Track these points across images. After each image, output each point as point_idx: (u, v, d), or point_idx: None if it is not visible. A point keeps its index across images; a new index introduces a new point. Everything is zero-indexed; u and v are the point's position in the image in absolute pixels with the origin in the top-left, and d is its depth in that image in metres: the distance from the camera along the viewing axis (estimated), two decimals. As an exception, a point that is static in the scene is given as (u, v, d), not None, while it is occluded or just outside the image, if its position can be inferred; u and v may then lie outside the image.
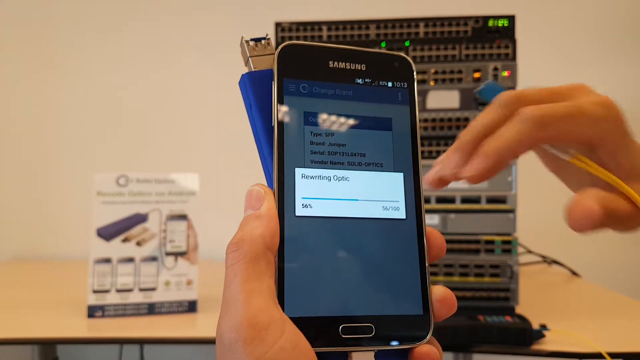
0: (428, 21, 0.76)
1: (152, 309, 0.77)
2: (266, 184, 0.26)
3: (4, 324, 0.72)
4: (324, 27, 0.76)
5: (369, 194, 0.26)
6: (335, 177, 0.26)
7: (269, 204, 0.24)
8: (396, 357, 0.25)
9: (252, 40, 0.27)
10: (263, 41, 0.27)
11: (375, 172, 0.26)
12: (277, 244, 0.24)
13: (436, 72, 0.76)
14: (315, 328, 0.23)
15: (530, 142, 0.26)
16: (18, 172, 1.33)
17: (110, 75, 1.33)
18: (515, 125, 0.25)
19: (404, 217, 0.26)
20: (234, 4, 1.31)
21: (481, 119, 0.27)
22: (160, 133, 1.33)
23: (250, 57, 0.27)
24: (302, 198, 0.25)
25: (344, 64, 0.27)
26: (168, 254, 0.78)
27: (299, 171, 0.25)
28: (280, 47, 0.26)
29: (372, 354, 0.24)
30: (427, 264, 0.26)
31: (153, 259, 0.77)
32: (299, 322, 0.22)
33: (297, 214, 0.24)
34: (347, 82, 0.27)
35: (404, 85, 0.28)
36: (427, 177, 0.28)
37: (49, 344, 1.00)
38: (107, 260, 0.76)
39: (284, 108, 0.26)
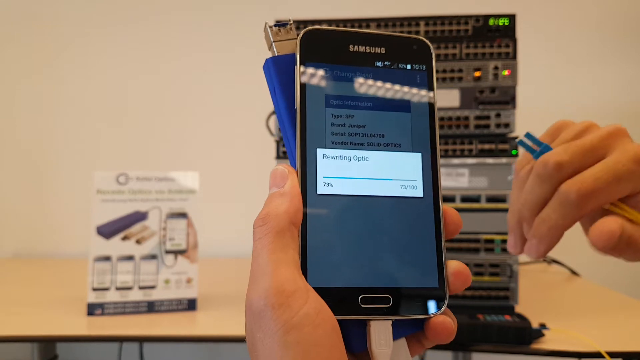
0: (428, 20, 0.76)
1: (151, 307, 0.77)
2: (289, 164, 0.27)
3: (3, 321, 0.72)
4: (324, 26, 0.76)
5: (388, 173, 0.27)
6: (355, 157, 0.27)
7: (293, 182, 0.25)
8: (412, 326, 0.26)
9: (275, 25, 0.28)
10: (286, 26, 0.28)
11: (394, 152, 0.27)
12: (300, 219, 0.25)
13: (436, 71, 0.76)
14: (336, 297, 0.24)
15: (575, 219, 0.29)
16: (18, 170, 1.33)
17: (110, 73, 1.33)
18: (558, 209, 0.29)
19: (422, 195, 0.27)
20: (235, 3, 1.31)
21: (527, 198, 0.31)
22: (161, 131, 1.33)
23: (273, 42, 0.27)
24: (324, 177, 0.26)
25: (364, 47, 0.28)
26: (168, 252, 0.78)
27: (320, 151, 0.26)
28: (302, 32, 0.27)
29: (390, 322, 0.25)
30: (442, 240, 0.27)
31: (153, 257, 0.77)
32: (321, 291, 0.24)
33: (318, 191, 0.26)
34: (367, 65, 0.28)
35: (422, 67, 0.29)
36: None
37: (49, 342, 1.00)
38: (107, 258, 0.76)
39: (306, 91, 0.26)
